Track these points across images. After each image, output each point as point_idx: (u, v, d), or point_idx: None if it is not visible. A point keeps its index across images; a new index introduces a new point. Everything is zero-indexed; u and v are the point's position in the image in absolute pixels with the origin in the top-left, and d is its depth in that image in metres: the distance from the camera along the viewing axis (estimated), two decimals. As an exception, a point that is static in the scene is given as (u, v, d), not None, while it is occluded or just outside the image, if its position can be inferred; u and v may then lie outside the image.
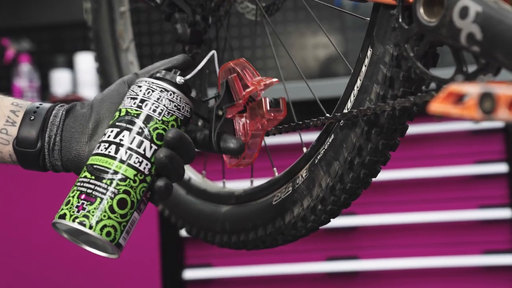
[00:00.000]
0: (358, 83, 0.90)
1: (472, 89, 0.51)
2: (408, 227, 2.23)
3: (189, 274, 2.33)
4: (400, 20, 0.79)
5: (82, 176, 0.82)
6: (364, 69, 0.89)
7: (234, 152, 0.89)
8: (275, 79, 0.88)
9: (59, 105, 0.91)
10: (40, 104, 0.91)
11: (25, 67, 2.93)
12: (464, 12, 0.68)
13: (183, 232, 2.31)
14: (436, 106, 0.54)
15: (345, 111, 0.92)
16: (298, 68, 1.11)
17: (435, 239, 2.22)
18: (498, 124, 2.18)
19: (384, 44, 0.85)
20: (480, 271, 2.18)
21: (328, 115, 0.93)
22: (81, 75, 2.94)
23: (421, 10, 0.74)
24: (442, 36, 0.71)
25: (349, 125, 0.91)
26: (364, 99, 0.89)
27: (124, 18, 1.46)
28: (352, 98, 0.92)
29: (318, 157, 0.97)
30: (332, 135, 0.94)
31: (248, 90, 0.87)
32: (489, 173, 2.19)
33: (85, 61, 2.93)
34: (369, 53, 0.88)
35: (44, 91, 3.05)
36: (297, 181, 1.00)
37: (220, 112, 0.89)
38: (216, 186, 1.23)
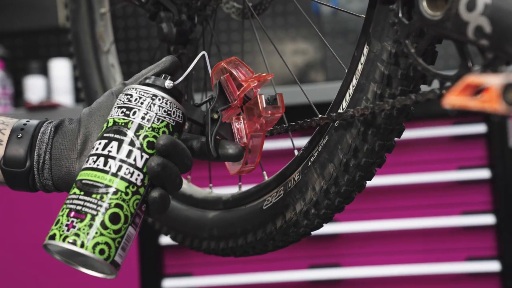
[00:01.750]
0: (354, 81, 0.87)
1: (494, 80, 0.47)
2: (391, 234, 2.21)
3: (169, 283, 2.28)
4: (400, 15, 0.76)
5: (72, 193, 0.77)
6: (360, 67, 0.86)
7: (234, 158, 0.84)
8: (269, 75, 0.84)
9: (47, 122, 0.87)
10: (27, 121, 0.86)
11: (-2, 73, 2.86)
12: (471, 4, 0.65)
13: (163, 240, 2.27)
14: (453, 99, 0.51)
15: (340, 111, 0.89)
16: (291, 71, 1.08)
17: (419, 246, 2.21)
18: (480, 129, 2.17)
19: (382, 41, 0.82)
20: (464, 278, 2.17)
21: (322, 116, 0.90)
22: (56, 81, 2.88)
23: (424, 4, 0.71)
24: (447, 30, 0.68)
25: (345, 126, 0.88)
26: (361, 99, 0.85)
27: (104, 20, 1.42)
28: (347, 97, 0.88)
29: (312, 159, 0.94)
30: (326, 136, 0.91)
31: (242, 88, 0.83)
32: (472, 179, 2.18)
33: (60, 68, 2.88)
34: (365, 50, 0.85)
35: (18, 98, 2.99)
36: (289, 185, 0.97)
37: (216, 116, 0.84)
38: (203, 191, 1.19)
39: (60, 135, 0.85)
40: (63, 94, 2.86)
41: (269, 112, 0.83)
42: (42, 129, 0.85)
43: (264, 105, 0.82)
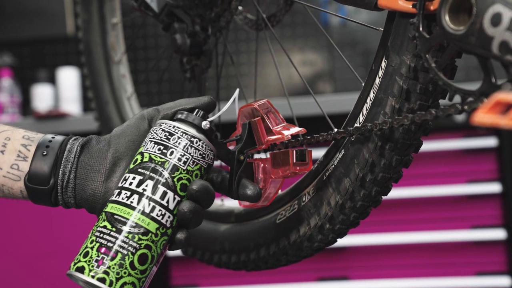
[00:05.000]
0: (372, 95, 0.86)
1: (526, 98, 0.46)
2: (399, 247, 2.19)
3: (175, 295, 2.26)
4: (421, 29, 0.75)
5: (101, 225, 0.77)
6: (378, 81, 0.85)
7: (251, 200, 0.85)
8: (301, 129, 0.86)
9: (73, 139, 0.86)
10: (52, 137, 0.85)
11: (6, 81, 2.86)
12: (496, 19, 0.64)
13: (169, 251, 2.25)
14: (482, 116, 0.50)
15: (357, 125, 0.88)
16: (304, 81, 1.07)
17: (427, 259, 2.19)
18: (491, 142, 2.16)
19: (401, 55, 0.81)
20: (473, 293, 2.15)
21: (338, 129, 0.88)
22: (63, 90, 2.88)
23: (447, 18, 0.70)
24: (471, 45, 0.67)
25: (361, 140, 0.86)
26: (378, 113, 0.84)
27: (116, 30, 1.41)
28: (364, 111, 0.87)
29: (327, 174, 0.92)
30: (343, 150, 0.90)
31: (272, 138, 0.85)
32: (482, 193, 2.16)
33: (68, 76, 2.88)
34: (383, 64, 0.84)
35: (26, 106, 2.99)
36: (304, 199, 0.96)
37: (242, 157, 0.86)
38: (214, 203, 1.17)
39: (87, 155, 0.84)
40: (71, 103, 2.85)
41: (297, 168, 0.85)
42: (68, 146, 0.84)
43: (294, 161, 0.85)
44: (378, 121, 0.82)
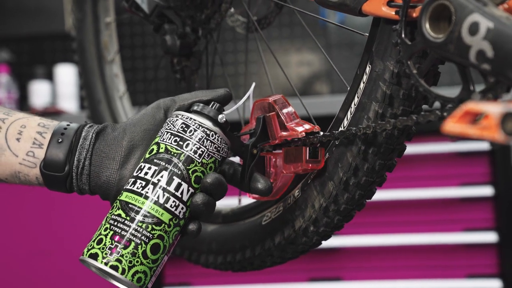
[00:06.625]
0: (356, 100, 0.87)
1: (493, 109, 0.47)
2: (392, 249, 2.20)
3: (168, 293, 2.27)
4: (403, 35, 0.75)
5: (116, 213, 0.79)
6: (362, 86, 0.86)
7: (262, 194, 0.87)
8: (315, 126, 0.87)
9: (88, 126, 0.87)
10: (67, 125, 0.86)
11: (3, 77, 2.86)
12: (474, 28, 0.64)
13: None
14: (451, 125, 0.50)
15: (341, 129, 0.89)
16: (291, 83, 1.08)
17: (419, 261, 2.19)
18: (484, 146, 2.16)
19: (384, 60, 0.82)
20: (464, 295, 2.15)
21: (324, 133, 0.89)
22: (61, 87, 2.88)
23: (427, 26, 0.71)
24: (449, 53, 0.68)
25: (345, 144, 0.87)
26: (362, 117, 0.85)
27: (109, 29, 1.42)
28: (349, 115, 0.88)
29: (312, 177, 0.93)
30: (327, 153, 0.91)
31: (285, 134, 0.86)
32: (475, 196, 2.17)
33: (65, 73, 2.88)
34: (367, 69, 0.85)
35: (23, 103, 2.99)
36: (289, 201, 0.96)
37: (254, 151, 0.87)
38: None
39: (102, 142, 0.85)
40: (68, 100, 2.86)
41: (310, 165, 0.86)
42: (83, 134, 0.85)
43: (307, 158, 0.86)
44: (362, 126, 0.83)
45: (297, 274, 2.24)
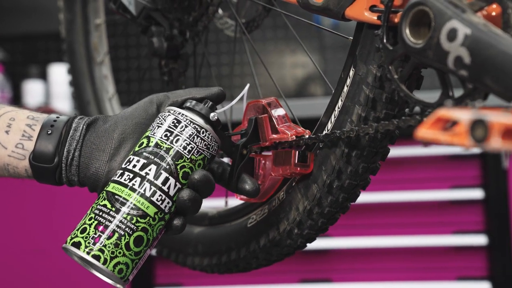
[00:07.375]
0: (340, 103, 0.87)
1: (463, 116, 0.48)
2: (382, 251, 2.21)
3: (159, 293, 2.27)
4: (385, 40, 0.76)
5: (102, 203, 0.79)
6: (346, 89, 0.86)
7: (249, 195, 0.88)
8: (306, 130, 0.88)
9: (78, 118, 0.87)
10: (57, 117, 0.87)
11: (-3, 77, 2.87)
12: (452, 35, 0.65)
13: (153, 251, 2.26)
14: (424, 131, 0.51)
15: (325, 132, 0.89)
16: (277, 86, 1.08)
17: (409, 263, 2.20)
18: (474, 149, 2.16)
19: (367, 64, 0.83)
20: (454, 298, 2.16)
21: (310, 136, 0.89)
22: (54, 86, 2.88)
23: (407, 31, 0.71)
24: (429, 59, 0.68)
25: (329, 147, 0.88)
26: (345, 121, 0.86)
27: (99, 31, 1.42)
28: (332, 119, 0.88)
29: (296, 179, 0.93)
30: (312, 157, 0.91)
31: (276, 136, 0.87)
32: (465, 198, 2.17)
33: (59, 73, 2.88)
34: (351, 73, 0.86)
35: (17, 102, 2.99)
36: (274, 204, 0.97)
37: (244, 151, 0.88)
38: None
39: (93, 134, 0.85)
40: (62, 100, 2.85)
41: (298, 169, 0.87)
42: (73, 125, 0.85)
43: (296, 162, 0.86)
44: (345, 129, 0.83)
45: (288, 275, 2.25)
